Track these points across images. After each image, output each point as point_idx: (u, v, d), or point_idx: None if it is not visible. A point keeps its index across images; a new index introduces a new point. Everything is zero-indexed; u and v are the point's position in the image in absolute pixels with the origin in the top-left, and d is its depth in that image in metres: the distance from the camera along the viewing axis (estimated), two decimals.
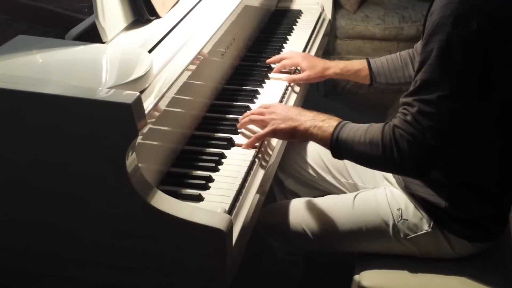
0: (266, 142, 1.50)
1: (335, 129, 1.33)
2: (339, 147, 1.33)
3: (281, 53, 1.93)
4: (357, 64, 1.74)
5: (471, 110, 1.25)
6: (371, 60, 1.73)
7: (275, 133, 1.41)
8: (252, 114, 1.48)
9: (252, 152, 1.43)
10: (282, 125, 1.39)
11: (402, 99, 1.28)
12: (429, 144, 1.23)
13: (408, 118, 1.24)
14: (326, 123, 1.35)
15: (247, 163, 1.39)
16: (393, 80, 1.71)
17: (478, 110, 1.26)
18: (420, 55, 1.25)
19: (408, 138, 1.23)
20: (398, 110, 1.30)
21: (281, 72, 1.79)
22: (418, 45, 1.65)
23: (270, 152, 1.49)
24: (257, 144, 1.43)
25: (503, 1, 1.23)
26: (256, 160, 1.42)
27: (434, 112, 1.22)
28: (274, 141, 1.53)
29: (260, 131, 1.44)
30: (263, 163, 1.44)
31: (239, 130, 1.49)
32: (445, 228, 1.44)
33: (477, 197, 1.40)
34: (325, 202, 1.60)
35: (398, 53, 1.72)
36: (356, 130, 1.31)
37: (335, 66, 1.74)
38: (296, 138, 1.40)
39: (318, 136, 1.36)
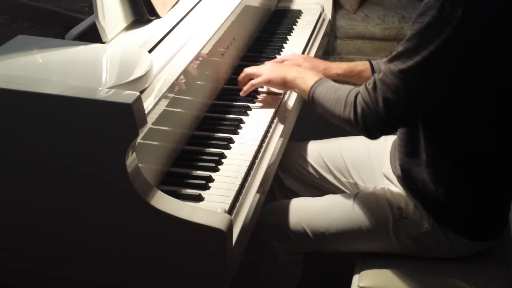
0: (268, 137, 1.52)
1: (313, 84, 1.48)
2: (313, 101, 1.47)
3: (281, 53, 1.93)
4: (360, 65, 1.73)
5: (429, 91, 1.28)
6: (374, 62, 1.73)
7: (268, 81, 1.59)
8: (247, 73, 1.65)
9: (252, 152, 1.43)
10: (275, 74, 1.58)
11: (382, 65, 1.36)
12: (379, 113, 1.30)
13: (370, 85, 1.32)
14: (310, 76, 1.52)
15: (247, 163, 1.39)
16: None
17: (453, 95, 1.28)
18: (408, 31, 1.28)
19: (363, 104, 1.32)
20: None
21: None
22: None
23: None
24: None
25: None
26: (256, 160, 1.43)
27: (392, 83, 1.27)
28: (275, 140, 1.53)
29: None
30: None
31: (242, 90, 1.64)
32: (446, 226, 1.44)
33: (476, 192, 1.40)
34: (325, 202, 1.60)
35: None
36: (329, 89, 1.43)
37: (337, 67, 1.74)
38: (286, 86, 1.59)
39: (301, 87, 1.53)
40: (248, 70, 1.65)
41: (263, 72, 1.60)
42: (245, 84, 1.64)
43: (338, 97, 1.38)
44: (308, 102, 1.49)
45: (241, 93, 1.62)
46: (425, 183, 1.43)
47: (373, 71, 1.71)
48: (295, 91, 1.65)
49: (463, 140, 1.36)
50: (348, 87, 1.39)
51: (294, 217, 1.59)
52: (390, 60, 1.29)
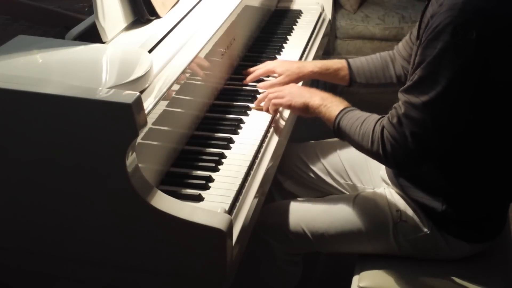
0: (268, 137, 1.52)
1: (338, 114, 1.42)
2: (339, 132, 1.43)
3: (281, 53, 1.93)
4: (337, 64, 1.71)
5: (456, 118, 1.26)
6: (351, 60, 1.71)
7: (290, 105, 1.54)
8: (269, 92, 1.60)
9: (252, 152, 1.43)
10: (297, 99, 1.51)
11: (399, 93, 1.31)
12: (409, 149, 1.27)
13: (394, 120, 1.28)
14: (334, 105, 1.46)
15: (247, 163, 1.39)
16: (373, 81, 1.70)
17: (468, 119, 1.27)
18: (418, 56, 1.25)
19: (391, 141, 1.28)
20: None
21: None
22: (401, 46, 1.65)
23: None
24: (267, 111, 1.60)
25: (509, 5, 1.21)
26: (256, 160, 1.43)
27: (417, 117, 1.24)
28: (275, 140, 1.53)
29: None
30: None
31: (254, 106, 1.63)
32: (444, 230, 1.44)
33: (473, 200, 1.40)
34: (324, 203, 1.60)
35: (378, 54, 1.70)
36: (355, 121, 1.38)
37: (312, 65, 1.72)
38: (308, 113, 1.52)
39: (325, 116, 1.47)
40: (271, 95, 1.58)
41: (285, 94, 1.55)
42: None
43: (364, 132, 1.34)
44: (334, 132, 1.45)
45: (264, 110, 1.59)
46: (421, 194, 1.43)
47: (350, 70, 1.69)
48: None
49: (460, 153, 1.35)
50: (372, 119, 1.35)
51: (294, 218, 1.58)
52: (408, 90, 1.26)
